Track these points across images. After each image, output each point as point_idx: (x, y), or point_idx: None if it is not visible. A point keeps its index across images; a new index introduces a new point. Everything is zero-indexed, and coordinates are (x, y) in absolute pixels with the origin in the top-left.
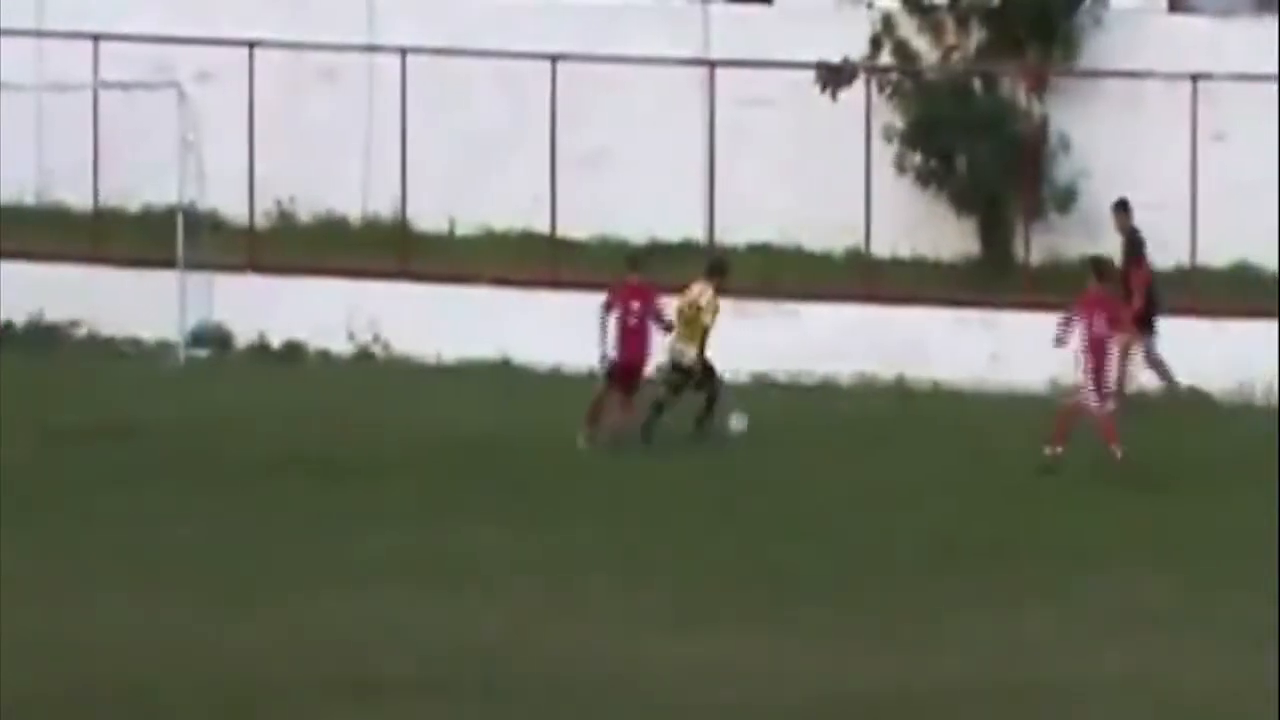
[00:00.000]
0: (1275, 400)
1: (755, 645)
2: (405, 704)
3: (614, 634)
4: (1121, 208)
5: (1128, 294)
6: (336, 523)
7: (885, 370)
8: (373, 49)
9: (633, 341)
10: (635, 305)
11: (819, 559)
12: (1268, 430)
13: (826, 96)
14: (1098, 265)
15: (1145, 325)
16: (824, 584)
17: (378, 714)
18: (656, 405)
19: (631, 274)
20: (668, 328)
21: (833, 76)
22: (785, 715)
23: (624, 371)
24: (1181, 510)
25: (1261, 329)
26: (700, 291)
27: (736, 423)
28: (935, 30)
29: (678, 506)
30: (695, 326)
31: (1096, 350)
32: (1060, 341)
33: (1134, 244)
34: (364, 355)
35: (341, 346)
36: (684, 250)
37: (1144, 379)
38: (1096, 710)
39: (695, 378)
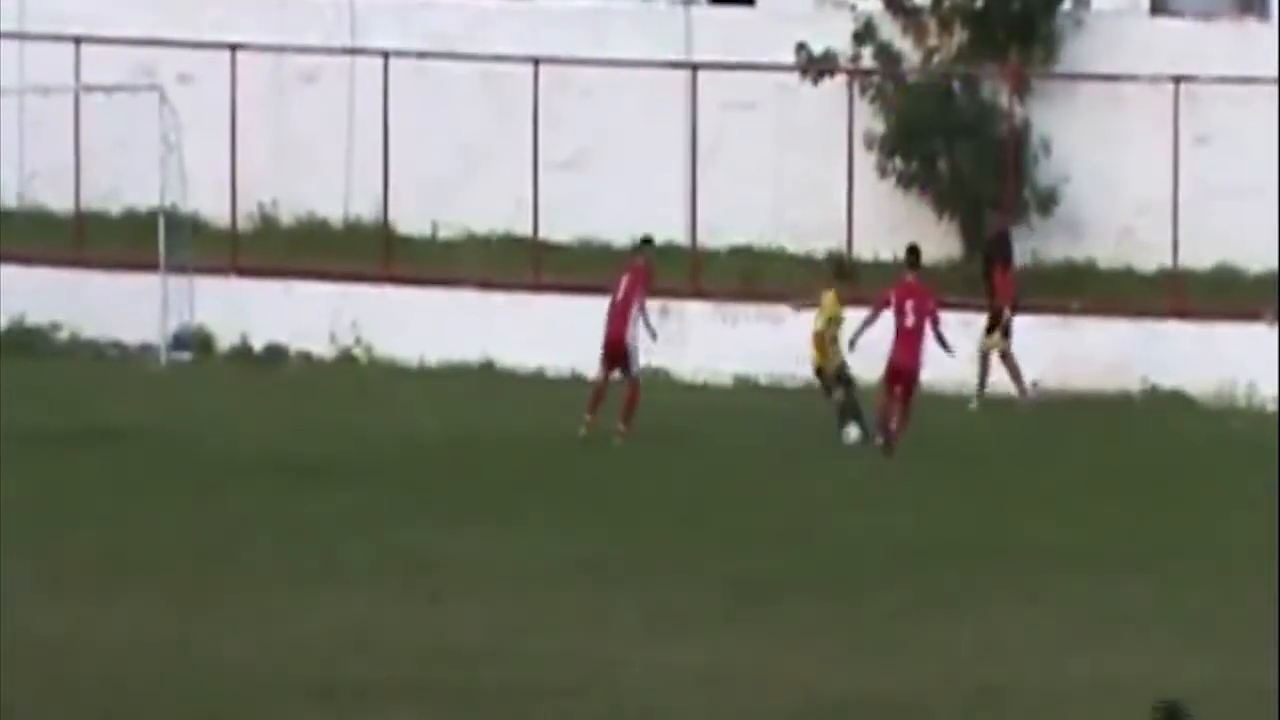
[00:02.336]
0: (1256, 402)
1: (732, 650)
2: (381, 709)
3: (590, 639)
4: (995, 207)
5: (991, 294)
6: (315, 526)
7: (867, 373)
8: (354, 52)
9: (909, 341)
10: (909, 304)
11: (797, 562)
12: (1245, 431)
13: (809, 100)
14: (911, 253)
15: (1003, 329)
16: (802, 587)
17: (357, 718)
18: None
19: (909, 273)
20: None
21: (815, 64)
22: (768, 718)
23: (896, 373)
24: (1156, 512)
25: (1244, 331)
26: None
27: (851, 432)
28: (917, 32)
29: (658, 510)
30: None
31: (906, 339)
32: (865, 329)
33: (1003, 246)
34: (346, 358)
35: (323, 349)
36: (666, 252)
37: (995, 379)
38: (1072, 713)
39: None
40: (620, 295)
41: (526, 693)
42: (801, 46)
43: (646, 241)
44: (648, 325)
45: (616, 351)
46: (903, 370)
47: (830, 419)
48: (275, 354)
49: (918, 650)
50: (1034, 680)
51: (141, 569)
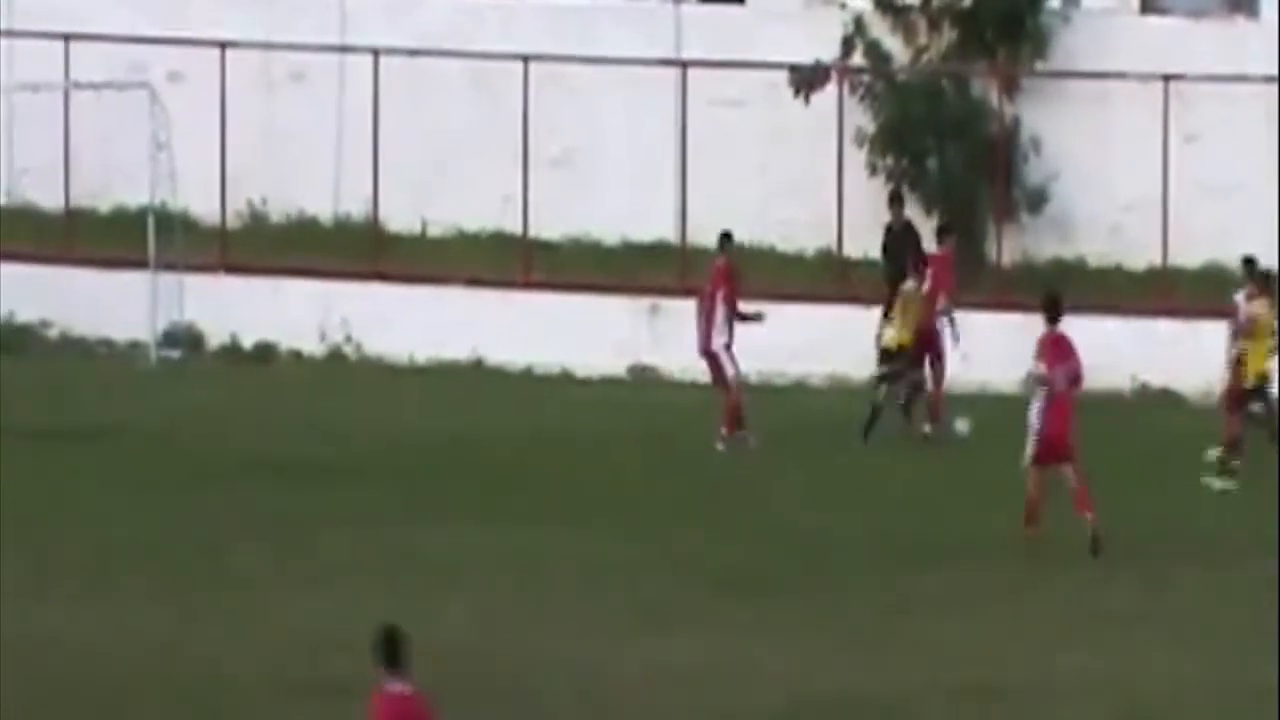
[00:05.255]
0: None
1: (718, 647)
2: (362, 706)
3: (576, 636)
4: (894, 201)
5: (895, 287)
6: (305, 524)
7: (857, 371)
8: (344, 49)
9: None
10: None
11: (788, 560)
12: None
13: (798, 99)
14: (723, 238)
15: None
16: (793, 585)
17: (343, 714)
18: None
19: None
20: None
21: (805, 79)
22: (753, 717)
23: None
24: (1144, 509)
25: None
26: None
27: (961, 426)
28: (907, 31)
29: (648, 507)
30: None
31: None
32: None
33: (914, 238)
34: (336, 356)
35: (313, 347)
36: (656, 251)
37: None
38: (1057, 711)
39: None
40: (705, 299)
41: (519, 690)
42: (793, 69)
43: (727, 237)
44: (739, 321)
45: (707, 359)
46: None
47: (813, 416)
48: (265, 351)
49: (904, 648)
50: (1020, 678)
51: (132, 566)
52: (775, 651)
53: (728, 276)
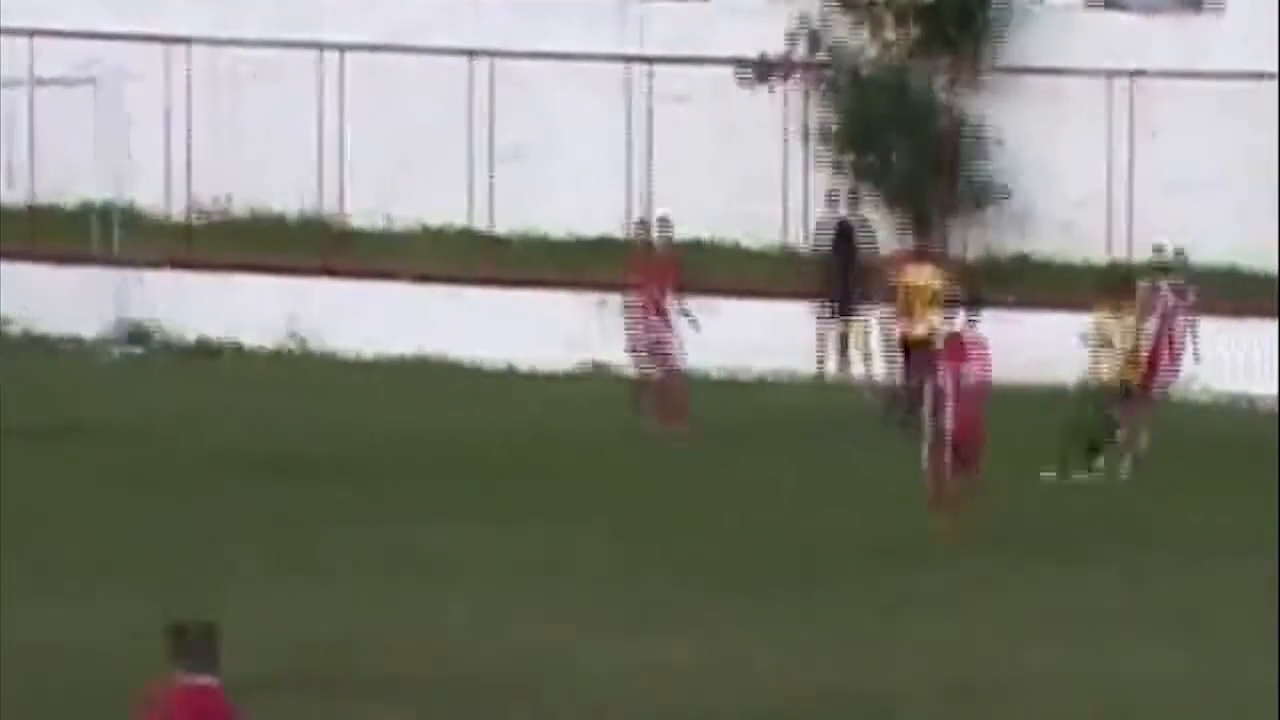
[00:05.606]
0: (1194, 394)
1: (709, 645)
2: (363, 704)
3: (566, 634)
4: (830, 196)
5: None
6: (275, 521)
7: (817, 367)
8: (306, 46)
9: None
10: None
11: (774, 557)
12: (1204, 424)
13: (753, 94)
14: (661, 224)
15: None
16: (765, 583)
17: (336, 714)
18: None
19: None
20: None
21: (762, 71)
22: (742, 715)
23: None
24: (1119, 506)
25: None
26: None
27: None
28: (868, 27)
29: (627, 504)
30: None
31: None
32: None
33: (865, 234)
34: (294, 352)
35: (276, 343)
36: (606, 245)
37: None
38: (1042, 706)
39: None
40: (647, 289)
41: (514, 688)
42: (748, 61)
43: (664, 223)
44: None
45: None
46: None
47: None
48: (224, 348)
49: (893, 645)
50: (1007, 674)
51: (105, 565)
52: (766, 648)
53: (672, 265)
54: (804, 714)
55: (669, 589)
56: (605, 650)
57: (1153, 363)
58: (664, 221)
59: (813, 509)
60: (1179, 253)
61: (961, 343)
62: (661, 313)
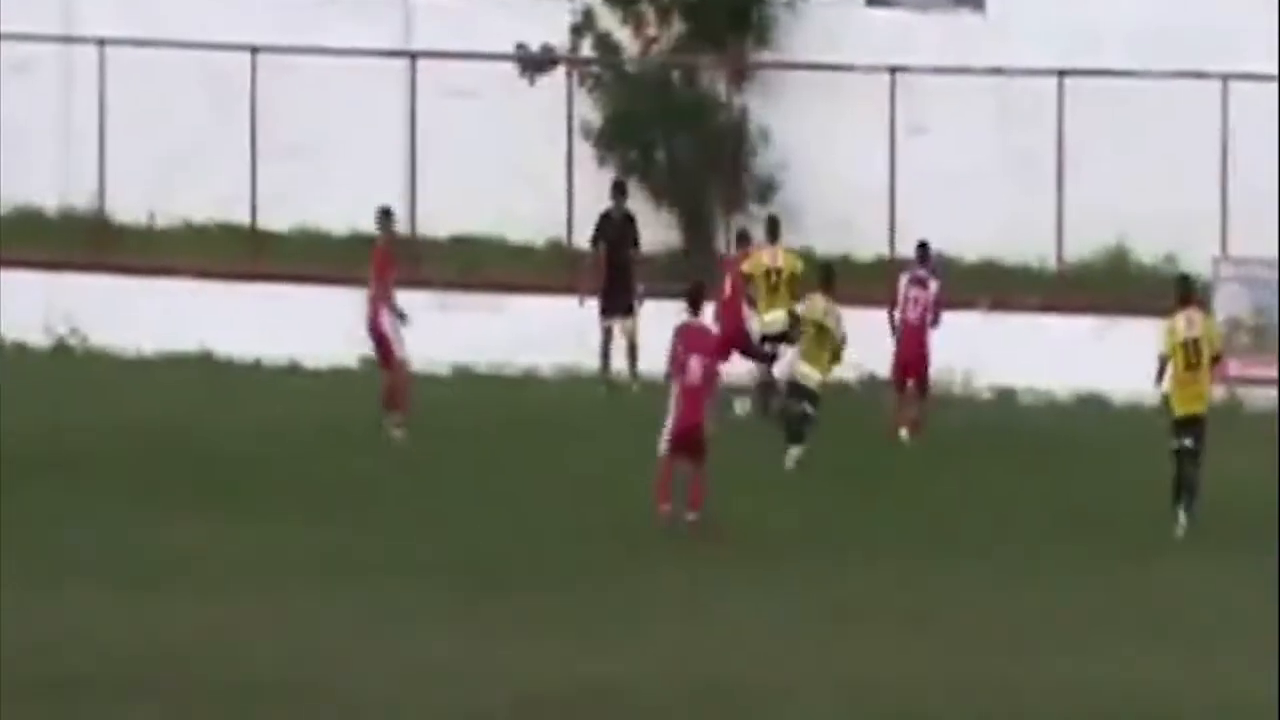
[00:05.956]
0: (973, 390)
1: (460, 644)
2: (95, 705)
3: (316, 635)
4: (617, 190)
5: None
6: (33, 520)
7: (588, 361)
8: (69, 40)
9: None
10: None
11: (518, 555)
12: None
13: (529, 89)
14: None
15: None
16: (523, 581)
17: (68, 715)
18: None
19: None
20: None
21: (532, 63)
22: (485, 715)
23: None
24: (877, 501)
25: (959, 320)
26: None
27: (739, 407)
28: (636, 22)
29: (376, 503)
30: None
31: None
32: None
33: (630, 228)
34: (61, 348)
35: (38, 339)
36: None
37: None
38: (797, 707)
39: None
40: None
41: (250, 690)
42: (520, 46)
43: (386, 214)
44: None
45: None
46: None
47: (542, 407)
48: None
49: (649, 643)
50: (762, 674)
51: None
52: (518, 647)
53: (390, 258)
54: (553, 712)
55: (419, 589)
56: (352, 649)
57: (910, 356)
58: (385, 214)
59: (561, 506)
60: (921, 245)
61: (700, 331)
62: (379, 306)
